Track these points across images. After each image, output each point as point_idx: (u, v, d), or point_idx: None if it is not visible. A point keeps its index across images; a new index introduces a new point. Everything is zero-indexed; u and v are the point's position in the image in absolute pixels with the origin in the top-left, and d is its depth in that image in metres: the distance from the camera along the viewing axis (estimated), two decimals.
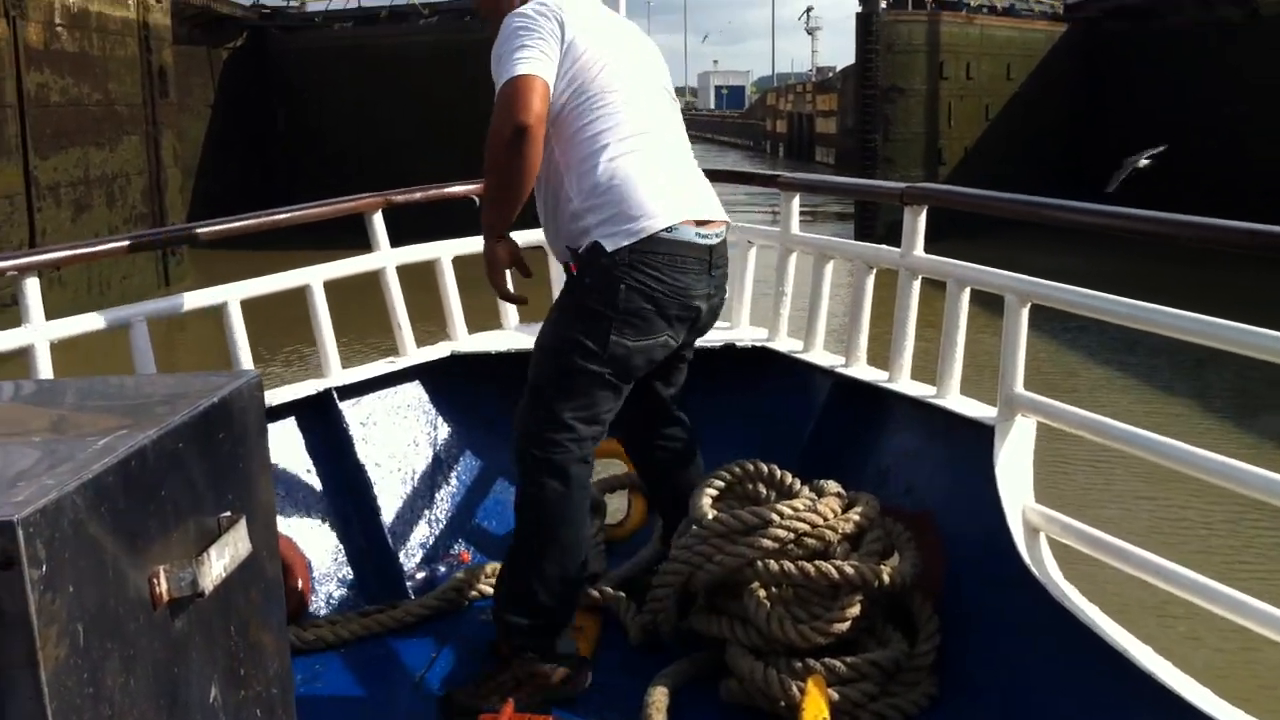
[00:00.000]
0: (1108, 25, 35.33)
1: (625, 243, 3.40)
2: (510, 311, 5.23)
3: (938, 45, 31.64)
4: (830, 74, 76.25)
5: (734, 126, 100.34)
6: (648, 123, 3.56)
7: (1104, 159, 32.14)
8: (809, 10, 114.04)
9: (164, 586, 1.78)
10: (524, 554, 3.56)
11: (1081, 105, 33.61)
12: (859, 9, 31.29)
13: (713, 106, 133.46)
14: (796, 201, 5.01)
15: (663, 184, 3.49)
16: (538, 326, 5.31)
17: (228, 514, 2.02)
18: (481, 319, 5.24)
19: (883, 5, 31.14)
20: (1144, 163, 14.86)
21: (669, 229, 3.43)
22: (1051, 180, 28.16)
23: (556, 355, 3.51)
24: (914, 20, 31.79)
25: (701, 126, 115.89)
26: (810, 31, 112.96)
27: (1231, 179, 27.39)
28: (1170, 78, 31.02)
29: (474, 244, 5.12)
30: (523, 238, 4.65)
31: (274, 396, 4.27)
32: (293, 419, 4.44)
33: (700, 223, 3.53)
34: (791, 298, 5.01)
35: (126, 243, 4.55)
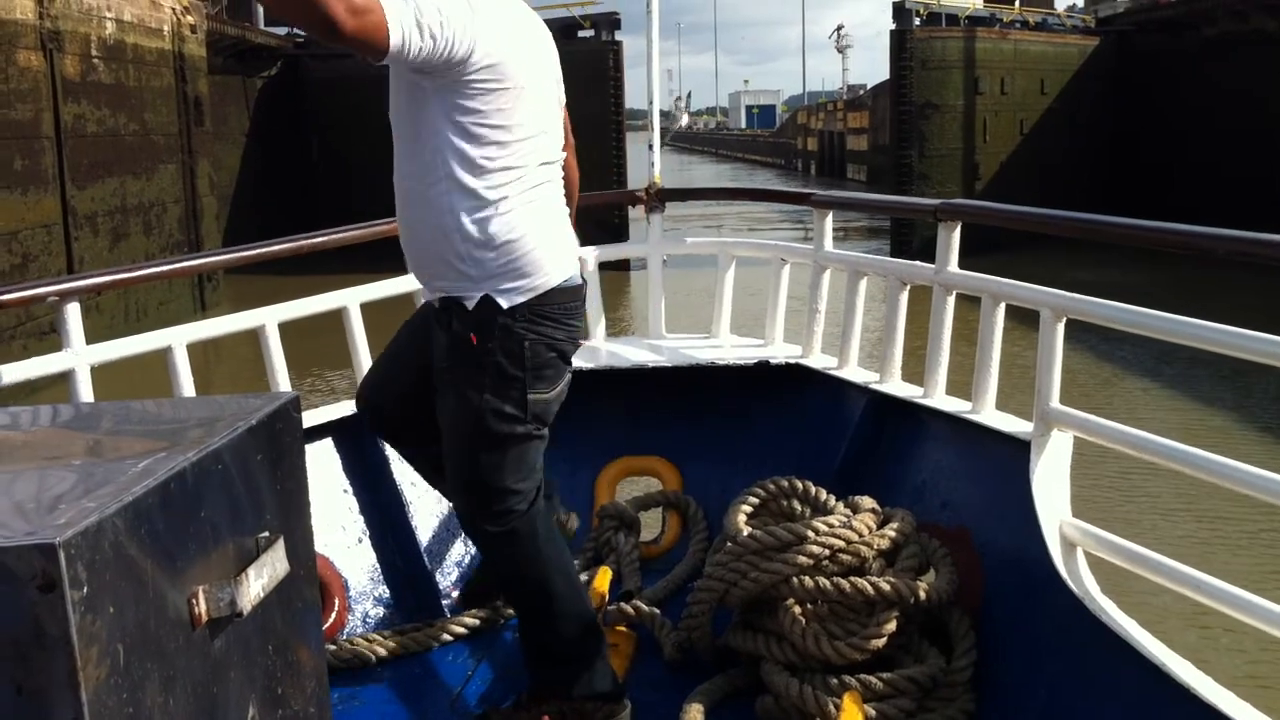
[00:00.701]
0: (1139, 39, 35.21)
1: (522, 300, 3.28)
2: None
3: (973, 61, 31.64)
4: (861, 91, 76.21)
5: (766, 145, 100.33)
6: (553, 159, 3.42)
7: (1137, 171, 32.08)
8: (839, 29, 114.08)
9: (203, 607, 1.80)
10: (529, 617, 3.53)
11: (1114, 118, 33.49)
12: (892, 26, 31.36)
13: (744, 126, 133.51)
14: (830, 219, 5.01)
15: (558, 236, 3.39)
16: None
17: (266, 534, 2.04)
18: None
19: (916, 22, 31.14)
20: None
21: (564, 280, 3.38)
22: (1086, 193, 28.09)
23: (480, 428, 3.35)
24: (948, 36, 31.81)
25: (733, 146, 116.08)
26: (840, 50, 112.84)
27: (1270, 188, 27.17)
28: (1204, 89, 30.84)
29: None
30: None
31: (311, 418, 4.30)
32: (329, 439, 4.46)
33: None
34: (825, 314, 5.00)
35: (164, 268, 4.61)
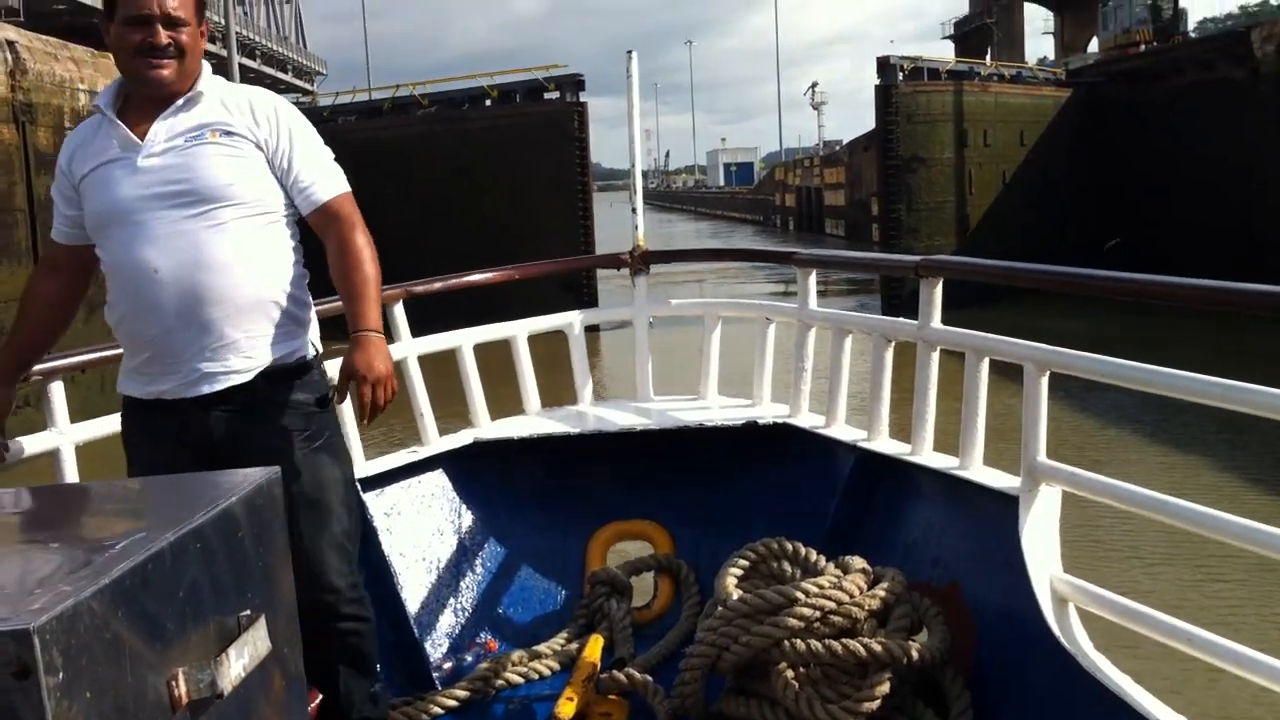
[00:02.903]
0: (1109, 89, 35.69)
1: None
2: (532, 396, 5.24)
3: (961, 114, 31.92)
4: (837, 147, 76.81)
5: (744, 202, 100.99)
6: None
7: (1112, 219, 32.38)
8: (814, 86, 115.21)
9: (183, 689, 1.76)
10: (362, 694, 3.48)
11: (1089, 168, 33.82)
12: (877, 81, 31.67)
13: (722, 183, 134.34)
14: (813, 278, 5.02)
15: None
16: (565, 410, 5.36)
17: (247, 613, 2.00)
18: (503, 405, 5.23)
19: (899, 77, 31.46)
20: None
21: None
22: (1066, 241, 28.35)
23: (347, 501, 3.35)
24: (934, 90, 32.16)
25: (711, 204, 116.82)
26: (816, 106, 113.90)
27: (1240, 235, 27.42)
28: (1173, 138, 31.23)
29: (495, 331, 5.15)
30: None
31: None
32: None
33: None
34: (812, 372, 5.00)
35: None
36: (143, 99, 3.14)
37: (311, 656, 3.41)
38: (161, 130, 3.11)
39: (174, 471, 2.93)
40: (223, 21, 35.57)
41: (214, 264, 3.07)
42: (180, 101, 3.13)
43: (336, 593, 3.28)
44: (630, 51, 5.64)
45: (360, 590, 3.39)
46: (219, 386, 3.12)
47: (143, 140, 3.10)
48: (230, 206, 3.10)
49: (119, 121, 3.13)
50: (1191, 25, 56.64)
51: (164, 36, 3.06)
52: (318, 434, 3.26)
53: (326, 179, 3.27)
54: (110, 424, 3.95)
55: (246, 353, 3.13)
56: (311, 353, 3.29)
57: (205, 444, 3.14)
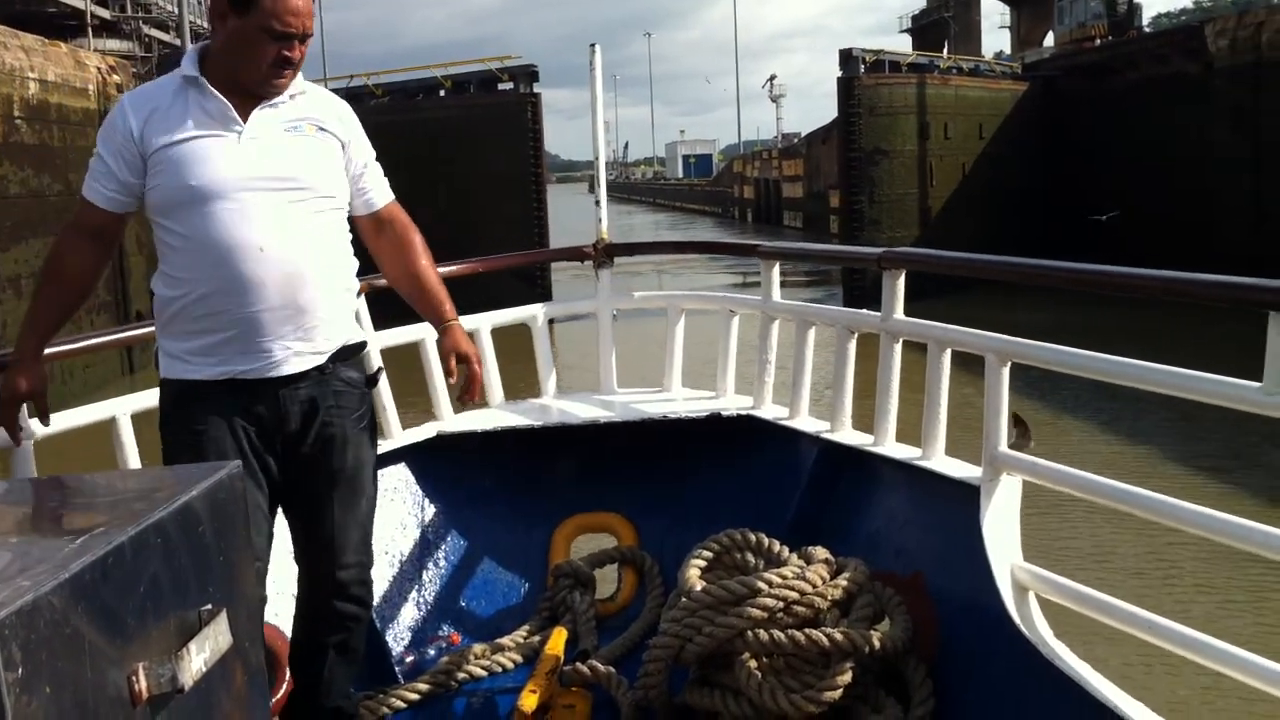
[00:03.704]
0: (1065, 83, 35.96)
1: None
2: (496, 388, 5.22)
3: (924, 106, 31.99)
4: (795, 140, 77.01)
5: (702, 194, 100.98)
6: None
7: (1069, 211, 32.66)
8: (772, 79, 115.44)
9: (143, 684, 1.75)
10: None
11: (1046, 160, 34.08)
12: (839, 74, 31.60)
13: (681, 175, 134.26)
14: (776, 270, 5.02)
15: None
16: (528, 403, 5.34)
17: (208, 607, 1.99)
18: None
19: (861, 69, 31.48)
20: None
21: None
22: (1024, 233, 28.58)
23: (374, 482, 3.55)
24: (896, 83, 32.18)
25: (670, 195, 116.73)
26: (774, 99, 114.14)
27: (1192, 226, 27.73)
28: (1128, 131, 31.52)
29: (462, 322, 5.12)
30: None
31: None
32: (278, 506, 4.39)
33: None
34: (775, 365, 5.01)
35: (101, 339, 4.56)
36: (234, 82, 3.15)
37: (301, 637, 3.47)
38: (262, 116, 3.17)
39: (235, 453, 3.12)
40: (176, 10, 35.23)
41: (316, 247, 3.20)
42: (285, 96, 3.21)
43: (351, 569, 3.40)
44: (593, 45, 5.62)
45: (370, 575, 3.50)
46: (304, 366, 3.23)
47: (244, 120, 3.14)
48: (324, 197, 3.24)
49: (222, 97, 3.14)
50: (1146, 20, 57.30)
51: (299, 52, 3.14)
52: (366, 413, 3.44)
53: (385, 184, 3.51)
54: (68, 419, 3.86)
55: (326, 334, 3.26)
56: (362, 335, 3.47)
57: (274, 422, 3.23)
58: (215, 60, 3.17)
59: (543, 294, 23.93)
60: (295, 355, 3.21)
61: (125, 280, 24.30)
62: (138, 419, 4.06)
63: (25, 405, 3.29)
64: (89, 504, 2.16)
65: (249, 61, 3.11)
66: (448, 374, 3.50)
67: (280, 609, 4.11)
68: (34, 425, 3.50)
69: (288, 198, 3.16)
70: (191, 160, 3.10)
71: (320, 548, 3.39)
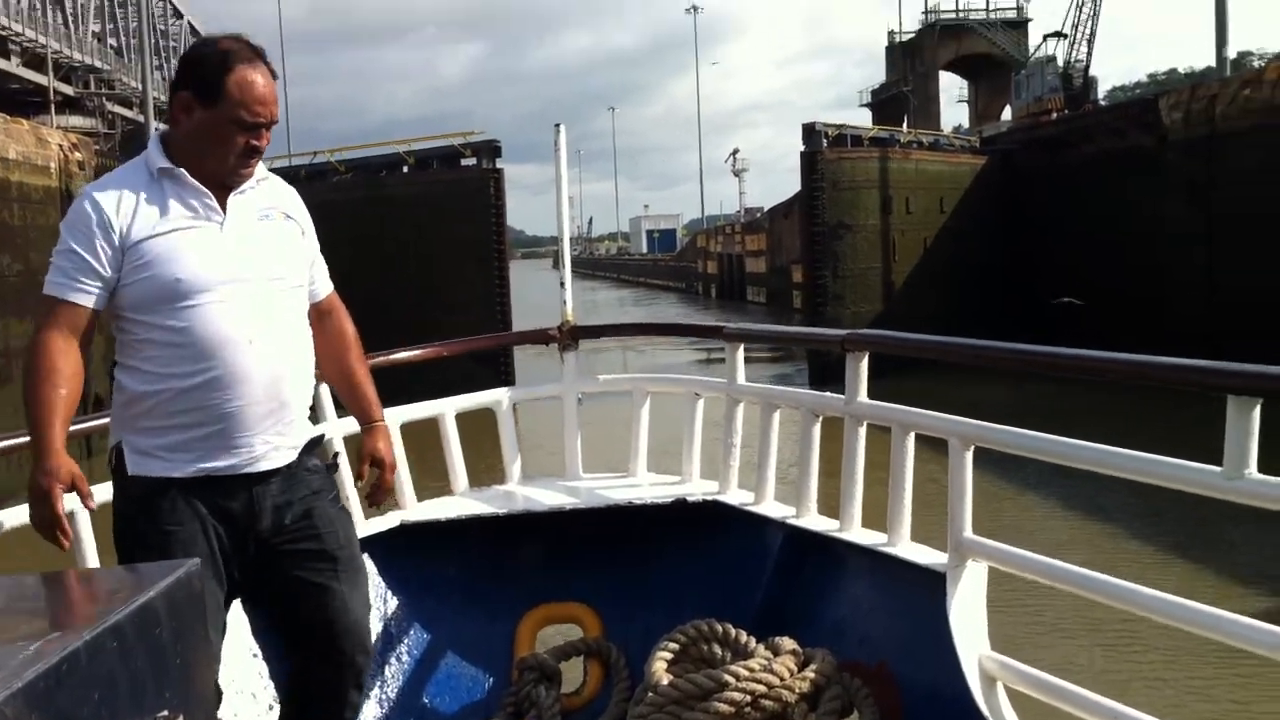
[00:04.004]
0: (1023, 157, 36.46)
1: None
2: (460, 475, 5.18)
3: (886, 180, 32.22)
4: (758, 214, 77.58)
5: (666, 269, 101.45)
6: None
7: (1026, 287, 32.96)
8: (735, 153, 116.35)
9: None
10: None
11: (1004, 235, 34.37)
12: (802, 148, 31.75)
13: (645, 250, 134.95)
14: (741, 352, 5.03)
15: None
16: (493, 490, 5.30)
17: (165, 713, 1.94)
18: (430, 479, 5.17)
19: (824, 143, 31.73)
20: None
21: None
22: (985, 308, 28.82)
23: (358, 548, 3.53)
24: (858, 157, 32.37)
25: (634, 270, 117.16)
26: (737, 173, 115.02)
27: (1145, 302, 28.01)
28: (1082, 205, 31.89)
29: (422, 409, 5.09)
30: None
31: None
32: (237, 601, 4.32)
33: None
34: (741, 447, 5.00)
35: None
36: (201, 172, 3.11)
37: None
38: (237, 204, 3.14)
39: (206, 553, 3.03)
40: (139, 86, 35.28)
41: (298, 338, 3.21)
42: (253, 182, 3.19)
43: (369, 654, 3.38)
44: (558, 125, 5.65)
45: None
46: (282, 461, 3.18)
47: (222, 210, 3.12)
48: (297, 286, 3.24)
49: (203, 188, 3.10)
50: (1103, 93, 58.33)
51: (266, 139, 3.13)
52: (337, 494, 3.40)
53: (327, 273, 3.49)
54: (25, 514, 3.79)
55: (300, 427, 3.23)
56: (320, 428, 3.49)
57: (246, 519, 3.15)
58: (180, 149, 3.12)
59: (505, 377, 23.80)
60: (274, 450, 3.15)
61: (87, 363, 24.03)
62: (97, 513, 3.98)
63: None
64: (44, 607, 2.12)
65: (218, 152, 3.08)
66: (358, 476, 3.46)
67: (240, 708, 4.04)
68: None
69: (269, 288, 3.13)
70: (177, 254, 3.04)
71: (336, 633, 3.29)
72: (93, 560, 3.85)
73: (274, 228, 3.20)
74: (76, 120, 45.87)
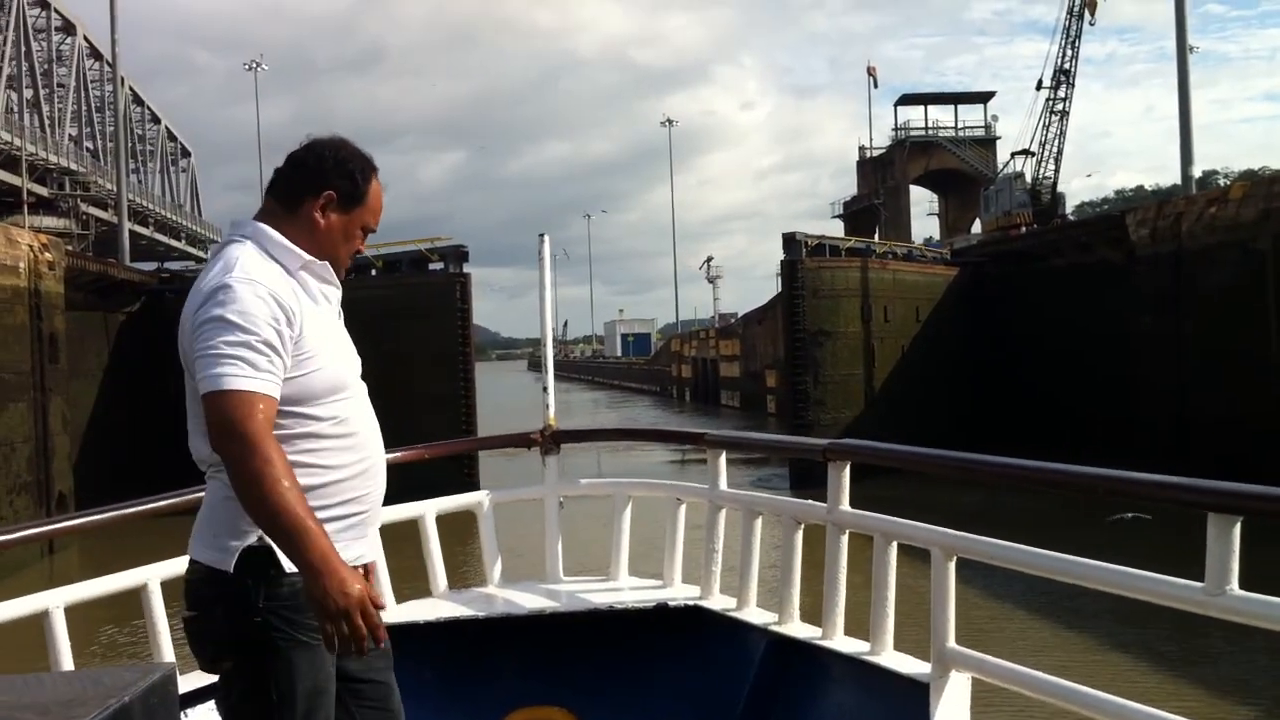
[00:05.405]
0: (992, 268, 36.93)
1: None
2: (440, 577, 5.12)
3: (867, 289, 32.66)
4: (732, 320, 78.03)
5: (641, 373, 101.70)
6: None
7: (999, 396, 33.18)
8: (709, 260, 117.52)
9: None
10: None
11: (977, 344, 34.69)
12: (783, 257, 32.35)
13: (620, 353, 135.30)
14: (723, 458, 5.02)
15: None
16: (472, 592, 5.24)
17: None
18: (408, 579, 5.11)
19: (804, 253, 32.17)
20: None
21: None
22: (962, 415, 29.04)
23: None
24: (838, 266, 32.87)
25: (609, 373, 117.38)
26: (711, 280, 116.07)
27: (1114, 414, 28.19)
28: (1050, 317, 32.25)
29: (403, 511, 5.05)
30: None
31: (190, 682, 4.05)
32: (211, 703, 4.22)
33: None
34: (723, 552, 4.97)
35: (17, 534, 4.39)
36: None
37: None
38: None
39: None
40: (114, 189, 35.39)
41: None
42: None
43: None
44: (542, 235, 5.71)
45: None
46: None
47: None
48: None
49: (338, 282, 3.19)
50: (1071, 207, 59.22)
51: None
52: None
53: None
54: None
55: None
56: None
57: None
58: (306, 242, 3.11)
59: (468, 477, 23.62)
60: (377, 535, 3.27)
61: (49, 460, 23.82)
62: (71, 612, 3.92)
63: None
64: (15, 714, 2.06)
65: (344, 250, 3.18)
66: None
67: None
68: None
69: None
70: (332, 346, 3.07)
71: None
72: (67, 660, 3.78)
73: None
74: (50, 221, 45.87)
